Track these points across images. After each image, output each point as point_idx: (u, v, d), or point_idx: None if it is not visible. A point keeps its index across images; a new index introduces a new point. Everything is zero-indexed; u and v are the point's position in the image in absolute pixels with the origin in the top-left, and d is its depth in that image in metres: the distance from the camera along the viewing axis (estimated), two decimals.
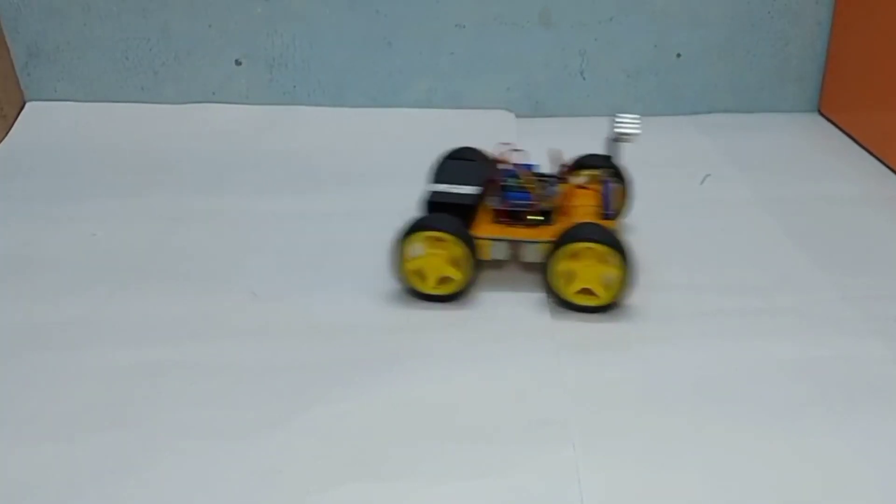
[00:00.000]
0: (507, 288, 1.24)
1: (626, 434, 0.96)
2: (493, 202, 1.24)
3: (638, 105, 1.89)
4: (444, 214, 1.19)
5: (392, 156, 1.69)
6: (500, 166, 1.27)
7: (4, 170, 1.65)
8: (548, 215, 1.22)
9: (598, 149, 1.34)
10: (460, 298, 1.22)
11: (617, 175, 1.34)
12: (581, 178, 1.30)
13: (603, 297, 1.17)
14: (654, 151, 1.49)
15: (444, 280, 1.20)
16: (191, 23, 1.83)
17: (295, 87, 1.88)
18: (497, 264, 1.28)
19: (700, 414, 0.98)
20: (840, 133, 1.81)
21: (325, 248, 1.36)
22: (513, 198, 1.22)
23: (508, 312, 1.19)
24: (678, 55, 1.87)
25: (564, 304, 1.18)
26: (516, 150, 1.27)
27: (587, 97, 1.89)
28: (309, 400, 1.01)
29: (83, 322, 1.17)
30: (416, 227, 1.18)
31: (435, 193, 1.24)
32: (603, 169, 1.32)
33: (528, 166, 1.27)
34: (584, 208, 1.24)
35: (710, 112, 1.90)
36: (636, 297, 1.20)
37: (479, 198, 1.24)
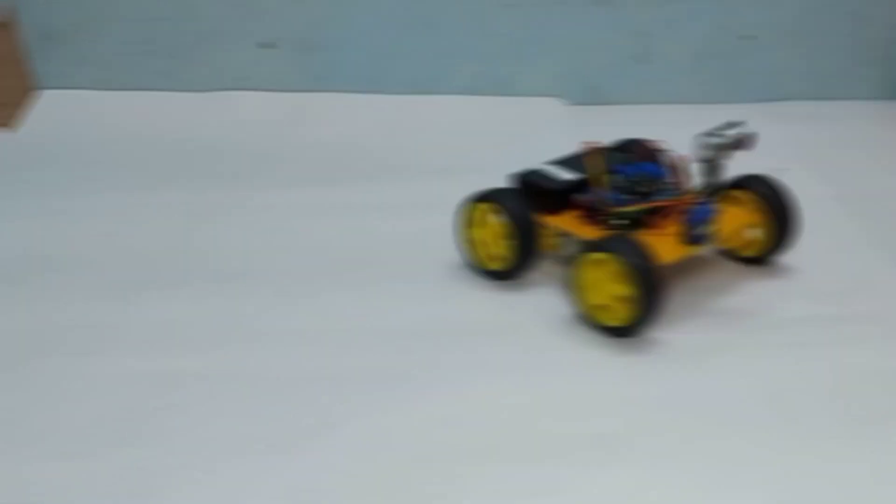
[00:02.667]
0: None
1: (686, 453, 0.96)
2: (578, 196, 1.24)
3: (703, 91, 1.88)
4: (516, 192, 1.23)
5: (432, 147, 1.69)
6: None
7: (18, 162, 1.67)
8: (636, 223, 1.19)
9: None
10: (513, 280, 1.25)
11: (768, 201, 1.25)
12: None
13: (620, 319, 1.12)
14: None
15: (496, 258, 1.24)
16: (217, 2, 1.83)
17: (328, 72, 1.88)
18: None
19: (768, 431, 0.98)
20: None
21: (361, 245, 1.37)
22: (601, 196, 1.21)
23: (557, 315, 1.19)
24: (747, 37, 1.86)
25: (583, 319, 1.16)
26: (679, 153, 1.24)
27: (647, 83, 1.89)
28: (343, 413, 1.01)
29: (100, 326, 1.18)
30: (482, 198, 1.24)
31: (529, 170, 1.28)
32: (740, 191, 1.26)
33: (649, 171, 1.23)
34: (675, 225, 1.19)
35: (781, 100, 1.89)
36: (706, 303, 1.20)
37: (571, 186, 1.24)
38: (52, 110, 1.84)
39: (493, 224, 1.23)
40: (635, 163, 1.25)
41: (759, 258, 1.27)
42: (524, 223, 1.21)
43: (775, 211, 1.24)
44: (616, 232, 1.16)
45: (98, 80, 1.88)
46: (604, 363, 1.10)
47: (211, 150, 1.70)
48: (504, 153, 1.54)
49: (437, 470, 0.93)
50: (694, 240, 1.18)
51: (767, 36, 1.86)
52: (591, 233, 1.19)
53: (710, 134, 1.17)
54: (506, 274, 1.24)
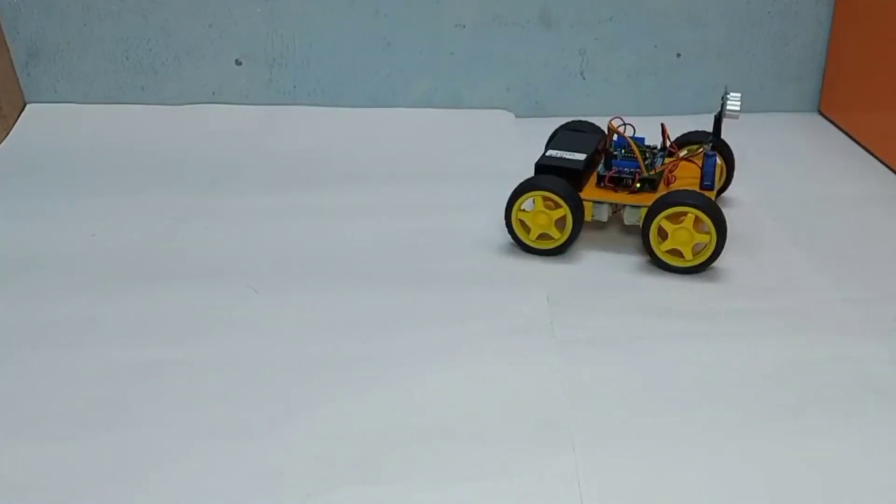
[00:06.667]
0: (505, 278, 1.24)
1: (625, 436, 0.96)
2: (601, 169, 1.34)
3: (637, 105, 1.89)
4: (555, 177, 1.30)
5: (392, 156, 1.69)
6: (611, 137, 1.36)
7: (4, 170, 1.65)
8: (653, 183, 1.31)
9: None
10: (559, 254, 1.32)
11: (721, 151, 1.44)
12: (685, 151, 1.40)
13: (691, 260, 1.26)
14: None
15: (544, 236, 1.32)
16: (191, 22, 1.83)
17: (295, 87, 1.88)
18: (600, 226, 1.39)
19: (699, 415, 0.98)
20: (840, 133, 1.80)
21: (326, 245, 1.36)
22: (620, 165, 1.32)
23: (511, 307, 1.19)
24: (678, 55, 1.87)
25: (657, 263, 1.28)
26: (627, 124, 1.36)
27: (587, 97, 1.89)
28: (310, 399, 1.01)
29: (82, 321, 1.17)
30: (529, 187, 1.30)
31: (546, 157, 1.34)
32: (705, 144, 1.39)
33: (639, 139, 1.37)
34: (685, 179, 1.35)
35: (709, 112, 1.89)
36: (636, 298, 1.20)
37: (586, 164, 1.33)
38: (37, 122, 1.83)
39: (543, 209, 1.30)
40: (627, 136, 1.36)
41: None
42: (574, 201, 1.28)
43: (727, 162, 1.47)
44: (670, 193, 1.27)
45: (80, 94, 1.87)
46: (546, 350, 1.10)
47: (185, 158, 1.69)
48: (457, 161, 1.55)
49: (395, 453, 0.93)
50: (710, 186, 1.33)
51: (697, 54, 1.87)
52: (625, 198, 1.31)
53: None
54: (560, 249, 1.32)
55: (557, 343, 1.11)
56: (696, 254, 1.26)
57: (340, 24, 1.83)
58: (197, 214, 1.46)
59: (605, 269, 1.30)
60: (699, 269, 1.27)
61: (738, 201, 1.49)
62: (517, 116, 1.87)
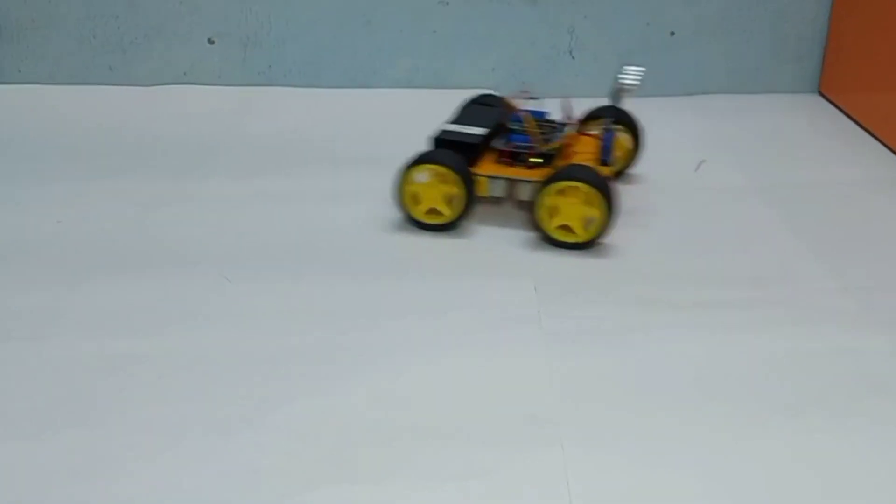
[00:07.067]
0: (495, 270, 1.25)
1: (616, 432, 0.95)
2: (497, 143, 1.36)
3: None
4: (448, 151, 1.32)
5: (371, 138, 1.69)
6: (511, 111, 1.40)
7: None
8: (550, 158, 1.33)
9: None
10: (451, 232, 1.35)
11: (627, 125, 1.48)
12: (588, 126, 1.44)
13: (581, 236, 1.29)
14: (646, 135, 1.49)
15: (433, 211, 1.34)
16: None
17: (270, 67, 1.88)
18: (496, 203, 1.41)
19: (692, 410, 0.98)
20: (841, 115, 1.81)
21: (301, 231, 1.37)
22: (516, 140, 1.34)
23: (496, 296, 1.19)
24: (671, 33, 1.87)
25: (547, 240, 1.30)
26: (533, 98, 1.41)
27: (576, 77, 1.89)
28: (287, 394, 1.00)
29: (47, 311, 1.16)
30: (421, 160, 1.31)
31: (443, 132, 1.37)
32: (609, 118, 1.43)
33: (539, 113, 1.40)
34: (583, 154, 1.37)
35: (704, 93, 1.90)
36: (626, 288, 1.20)
37: (484, 139, 1.35)
38: (2, 105, 1.82)
39: (433, 182, 1.32)
40: (527, 111, 1.39)
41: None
42: (465, 175, 1.30)
43: (635, 136, 1.51)
44: (563, 167, 1.28)
45: (46, 75, 1.88)
46: (533, 343, 1.10)
47: (158, 141, 1.70)
48: None
49: (375, 450, 0.92)
50: (607, 162, 1.36)
51: (691, 33, 1.88)
52: (519, 172, 1.33)
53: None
54: (450, 225, 1.34)
55: (545, 335, 1.11)
56: (585, 229, 1.28)
57: (318, 1, 1.83)
58: (168, 200, 1.46)
59: (497, 244, 1.33)
60: (588, 246, 1.29)
61: (735, 187, 1.49)
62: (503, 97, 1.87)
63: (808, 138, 1.71)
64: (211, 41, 1.86)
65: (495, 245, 1.32)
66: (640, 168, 1.50)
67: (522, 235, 1.33)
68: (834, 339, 1.10)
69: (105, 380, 1.03)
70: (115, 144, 1.68)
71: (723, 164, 1.58)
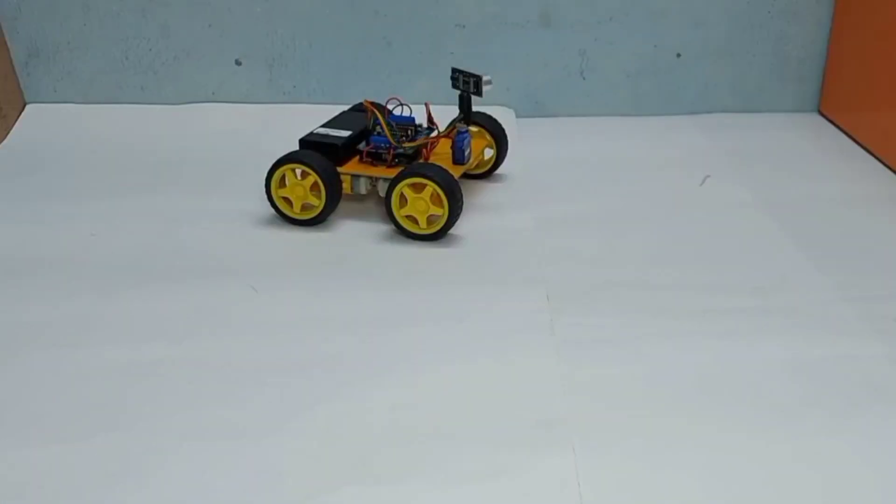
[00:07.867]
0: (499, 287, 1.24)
1: (625, 435, 0.95)
2: (361, 145, 1.45)
3: (637, 105, 1.89)
4: (311, 151, 1.41)
5: None
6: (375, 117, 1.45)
7: (4, 170, 1.65)
8: (408, 158, 1.42)
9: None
10: (320, 223, 1.41)
11: (490, 128, 1.56)
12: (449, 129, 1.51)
13: (426, 228, 1.37)
14: (653, 152, 1.50)
15: (307, 207, 1.42)
16: (190, 22, 1.83)
17: (294, 86, 1.88)
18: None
19: (698, 414, 0.98)
20: (840, 133, 1.81)
21: (323, 244, 1.37)
22: (376, 141, 1.43)
23: (510, 304, 1.20)
24: (678, 55, 1.87)
25: (399, 229, 1.38)
26: (402, 105, 1.47)
27: (587, 97, 1.89)
28: (310, 399, 1.01)
29: (81, 321, 1.16)
30: (285, 161, 1.40)
31: (309, 134, 1.46)
32: (459, 121, 1.51)
33: (406, 118, 1.47)
34: (442, 154, 1.45)
35: (709, 112, 1.90)
36: (636, 297, 1.20)
37: (348, 141, 1.44)
38: (37, 122, 1.83)
39: (300, 181, 1.40)
40: (394, 115, 1.48)
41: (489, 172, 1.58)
42: (327, 172, 1.38)
43: (496, 136, 1.57)
44: (413, 164, 1.38)
45: (80, 94, 1.88)
46: (546, 349, 1.10)
47: (185, 159, 1.69)
48: None
49: (395, 453, 0.93)
50: (461, 160, 1.45)
51: (696, 55, 1.87)
52: (381, 171, 1.41)
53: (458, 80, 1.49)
54: (317, 219, 1.41)
55: (557, 342, 1.11)
56: (430, 224, 1.36)
57: (340, 24, 1.83)
58: (196, 215, 1.46)
59: (510, 256, 1.33)
60: (434, 238, 1.36)
61: (738, 202, 1.49)
62: (517, 116, 1.87)
63: (809, 155, 1.71)
64: (238, 62, 1.87)
65: (509, 256, 1.32)
66: (647, 183, 1.50)
67: (539, 250, 1.33)
68: (834, 346, 1.11)
69: (136, 385, 1.04)
70: (146, 161, 1.69)
71: (727, 179, 1.57)
